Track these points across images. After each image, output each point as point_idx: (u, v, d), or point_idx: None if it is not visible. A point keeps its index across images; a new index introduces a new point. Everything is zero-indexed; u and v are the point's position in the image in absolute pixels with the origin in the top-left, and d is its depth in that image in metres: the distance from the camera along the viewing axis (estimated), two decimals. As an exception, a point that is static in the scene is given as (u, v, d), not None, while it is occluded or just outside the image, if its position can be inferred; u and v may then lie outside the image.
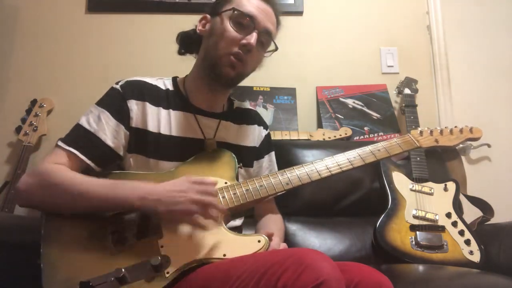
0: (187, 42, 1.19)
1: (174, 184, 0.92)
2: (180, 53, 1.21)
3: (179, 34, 1.21)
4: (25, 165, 1.63)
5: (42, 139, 1.77)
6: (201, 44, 1.14)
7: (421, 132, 1.21)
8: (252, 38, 1.03)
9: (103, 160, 1.00)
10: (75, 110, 1.77)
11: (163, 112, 1.07)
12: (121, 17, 1.93)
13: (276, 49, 1.14)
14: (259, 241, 0.90)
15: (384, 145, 1.13)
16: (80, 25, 1.91)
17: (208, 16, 1.13)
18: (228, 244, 0.89)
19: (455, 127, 1.25)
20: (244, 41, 1.03)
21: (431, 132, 1.22)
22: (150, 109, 1.06)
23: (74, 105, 1.82)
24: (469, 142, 1.28)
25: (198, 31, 1.14)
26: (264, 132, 1.28)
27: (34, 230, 1.03)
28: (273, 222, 1.21)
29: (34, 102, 1.77)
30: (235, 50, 1.04)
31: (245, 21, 1.05)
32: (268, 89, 1.88)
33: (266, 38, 1.10)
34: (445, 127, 1.24)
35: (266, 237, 0.90)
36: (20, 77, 1.85)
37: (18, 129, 1.72)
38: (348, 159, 1.08)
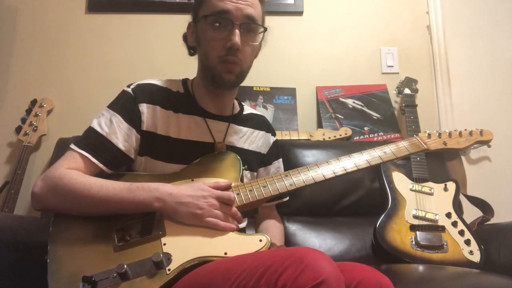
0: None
1: (193, 189, 0.93)
2: (190, 54, 1.19)
3: (184, 36, 1.19)
4: (25, 165, 1.63)
5: (42, 139, 1.77)
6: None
7: (429, 135, 1.19)
8: (235, 36, 0.99)
9: (115, 163, 1.00)
10: (75, 110, 1.80)
11: (173, 115, 1.07)
12: (121, 17, 1.93)
13: (265, 30, 1.08)
14: (260, 240, 0.90)
15: (391, 149, 1.11)
16: (80, 25, 1.91)
17: (192, 23, 1.11)
18: (229, 242, 0.89)
19: (465, 129, 1.22)
20: (228, 44, 1.00)
21: (440, 134, 1.20)
22: (161, 112, 1.06)
23: (74, 105, 1.82)
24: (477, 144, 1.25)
25: (189, 43, 1.13)
26: (272, 139, 1.28)
27: (34, 230, 1.04)
28: (275, 227, 1.23)
29: (34, 102, 1.77)
30: (225, 56, 1.01)
31: (221, 20, 1.01)
32: (268, 89, 1.88)
33: (251, 25, 1.04)
34: (454, 130, 1.22)
35: (268, 237, 0.90)
36: (20, 77, 1.85)
37: (18, 129, 1.72)
38: (354, 162, 1.07)
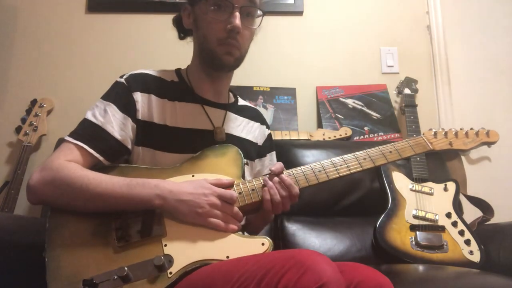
0: (182, 26, 1.17)
1: (195, 187, 0.92)
2: (181, 37, 1.20)
3: (174, 19, 1.19)
4: (25, 165, 1.63)
5: (42, 139, 1.77)
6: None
7: (435, 134, 1.16)
8: (236, 19, 1.00)
9: (111, 154, 0.99)
10: (75, 110, 1.80)
11: (169, 104, 1.07)
12: (121, 17, 1.93)
13: (264, 14, 1.09)
14: (263, 244, 0.89)
15: (396, 147, 1.09)
16: (80, 25, 1.91)
17: (189, 6, 1.11)
18: (231, 245, 0.89)
19: (471, 129, 1.19)
20: (229, 26, 1.00)
21: (446, 134, 1.17)
22: (156, 101, 1.05)
23: (74, 105, 1.82)
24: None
25: (185, 25, 1.13)
26: (267, 131, 1.28)
27: (34, 230, 1.04)
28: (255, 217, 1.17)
29: (34, 102, 1.77)
30: (225, 38, 1.02)
31: (222, 2, 1.01)
32: (268, 89, 1.88)
33: (251, 9, 1.05)
34: (461, 129, 1.19)
35: (270, 240, 0.90)
36: (20, 77, 1.85)
37: (18, 129, 1.72)
38: (359, 162, 1.06)
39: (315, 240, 1.45)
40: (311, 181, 1.01)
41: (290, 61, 1.95)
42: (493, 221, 1.49)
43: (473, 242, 1.31)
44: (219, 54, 1.04)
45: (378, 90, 1.93)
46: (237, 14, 1.01)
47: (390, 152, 1.08)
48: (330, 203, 1.56)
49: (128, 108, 1.02)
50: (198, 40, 1.10)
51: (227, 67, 1.08)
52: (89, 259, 0.86)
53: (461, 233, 1.33)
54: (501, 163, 1.88)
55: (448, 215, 1.39)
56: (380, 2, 2.04)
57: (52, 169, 0.91)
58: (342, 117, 1.86)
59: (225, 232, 0.90)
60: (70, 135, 0.98)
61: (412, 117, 1.68)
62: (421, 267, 1.20)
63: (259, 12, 1.08)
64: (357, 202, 1.55)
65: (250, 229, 1.17)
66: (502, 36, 2.02)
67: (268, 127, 1.30)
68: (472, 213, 1.57)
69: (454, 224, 1.36)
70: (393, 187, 1.45)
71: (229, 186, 0.97)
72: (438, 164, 1.64)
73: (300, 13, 1.99)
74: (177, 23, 1.18)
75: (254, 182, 1.00)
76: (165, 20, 1.92)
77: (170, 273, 0.84)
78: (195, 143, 1.04)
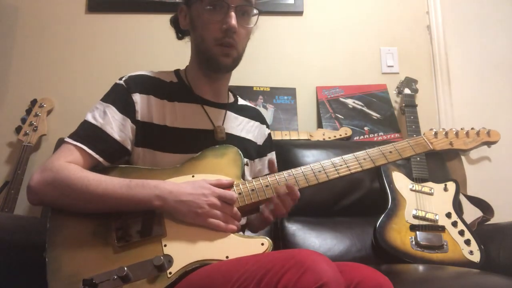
0: (180, 26, 1.17)
1: (194, 187, 0.92)
2: (179, 38, 1.20)
3: (171, 20, 1.19)
4: (25, 165, 1.63)
5: (42, 139, 1.77)
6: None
7: (435, 134, 1.15)
8: (231, 19, 1.00)
9: (111, 154, 0.99)
10: (75, 110, 1.79)
11: (168, 104, 1.07)
12: (121, 17, 1.93)
13: (260, 12, 1.09)
14: (262, 244, 0.89)
15: (396, 147, 1.09)
16: (80, 25, 1.91)
17: (185, 7, 1.11)
18: (230, 245, 0.89)
19: (472, 129, 1.19)
20: (224, 26, 1.01)
21: (446, 133, 1.16)
22: (155, 102, 1.05)
23: (74, 105, 1.82)
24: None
25: (181, 26, 1.13)
26: (267, 131, 1.28)
27: (34, 230, 1.04)
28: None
29: (34, 102, 1.77)
30: (221, 38, 1.02)
31: (217, 2, 1.02)
32: (268, 89, 1.88)
33: (247, 8, 1.05)
34: (461, 129, 1.18)
35: (270, 240, 0.90)
36: (20, 77, 1.85)
37: (18, 129, 1.72)
38: (357, 161, 1.05)
39: (315, 240, 1.45)
40: (311, 181, 1.01)
41: (290, 61, 1.95)
42: (493, 221, 1.49)
43: (473, 242, 1.31)
44: (216, 55, 1.04)
45: (378, 90, 1.93)
46: (233, 14, 1.01)
47: (390, 152, 1.08)
48: (330, 203, 1.56)
49: (127, 109, 1.02)
50: (195, 40, 1.10)
51: (225, 68, 1.08)
52: (89, 259, 0.86)
53: (461, 233, 1.33)
54: (501, 163, 1.88)
55: (448, 215, 1.39)
56: (380, 2, 2.04)
57: (52, 170, 0.92)
58: (342, 117, 1.86)
59: (225, 232, 0.90)
60: (70, 137, 0.98)
61: (412, 117, 1.68)
62: (421, 267, 1.20)
63: (255, 11, 1.08)
64: (357, 202, 1.56)
65: (250, 229, 1.17)
66: (502, 36, 2.02)
67: (268, 126, 1.30)
68: (472, 213, 1.57)
69: (454, 224, 1.36)
70: (393, 187, 1.45)
71: (229, 186, 0.97)
72: (438, 164, 1.64)
73: (300, 13, 1.99)
74: (175, 23, 1.18)
75: (254, 182, 1.00)
76: (165, 20, 1.90)
77: (170, 273, 0.84)
78: (195, 143, 1.04)
